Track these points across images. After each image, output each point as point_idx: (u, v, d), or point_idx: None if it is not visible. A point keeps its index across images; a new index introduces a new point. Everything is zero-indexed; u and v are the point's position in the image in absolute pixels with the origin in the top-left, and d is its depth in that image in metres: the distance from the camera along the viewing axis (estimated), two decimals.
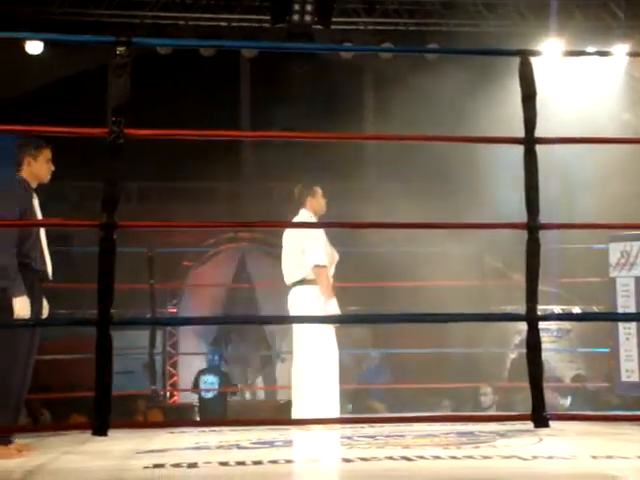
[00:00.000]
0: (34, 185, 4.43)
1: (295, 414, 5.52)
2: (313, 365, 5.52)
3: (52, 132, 3.36)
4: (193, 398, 9.83)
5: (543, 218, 3.16)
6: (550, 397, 7.24)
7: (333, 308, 5.52)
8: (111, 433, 2.91)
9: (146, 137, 3.20)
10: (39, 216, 4.43)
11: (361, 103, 13.06)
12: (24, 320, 4.11)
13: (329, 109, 11.64)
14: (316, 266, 5.58)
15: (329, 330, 5.59)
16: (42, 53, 9.57)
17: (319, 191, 5.88)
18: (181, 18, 9.77)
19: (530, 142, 3.18)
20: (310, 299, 5.58)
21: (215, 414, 8.63)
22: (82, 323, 3.23)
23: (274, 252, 7.58)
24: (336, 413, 5.46)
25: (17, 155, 4.39)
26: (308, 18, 8.91)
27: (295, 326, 5.68)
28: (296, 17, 8.90)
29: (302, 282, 5.66)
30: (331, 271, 5.77)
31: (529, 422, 3.06)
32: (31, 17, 9.31)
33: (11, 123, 3.35)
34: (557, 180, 9.29)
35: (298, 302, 5.64)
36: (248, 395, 11.59)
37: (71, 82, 11.95)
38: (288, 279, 5.76)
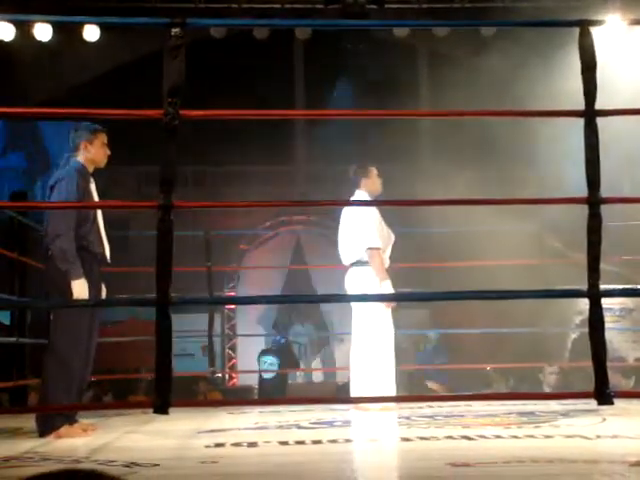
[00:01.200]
0: (91, 169, 4.47)
1: (353, 394, 5.53)
2: (370, 346, 5.52)
3: (109, 115, 3.39)
4: (252, 381, 9.91)
5: (604, 193, 3.09)
6: (613, 377, 7.11)
7: (388, 289, 5.50)
8: (172, 414, 2.94)
9: (201, 118, 3.21)
10: (96, 200, 4.48)
11: (416, 83, 12.93)
12: (84, 300, 4.18)
13: (384, 89, 11.55)
14: (369, 248, 5.57)
15: (386, 312, 5.57)
16: (99, 40, 9.71)
17: (374, 171, 5.84)
18: (234, 1, 9.79)
19: (590, 114, 3.10)
20: (366, 280, 5.56)
21: (274, 395, 8.69)
22: (142, 303, 3.27)
23: (329, 234, 7.58)
24: (393, 393, 5.45)
25: (73, 140, 4.44)
26: None
27: (354, 308, 5.68)
28: None
29: (358, 263, 5.64)
30: (387, 252, 5.74)
31: (592, 402, 3.01)
32: (89, 5, 9.44)
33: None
34: (619, 154, 9.07)
35: (354, 283, 5.63)
36: (307, 377, 11.65)
37: (128, 68, 12.09)
38: (345, 260, 5.76)
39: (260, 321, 12.08)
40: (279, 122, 10.63)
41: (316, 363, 12.08)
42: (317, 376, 11.56)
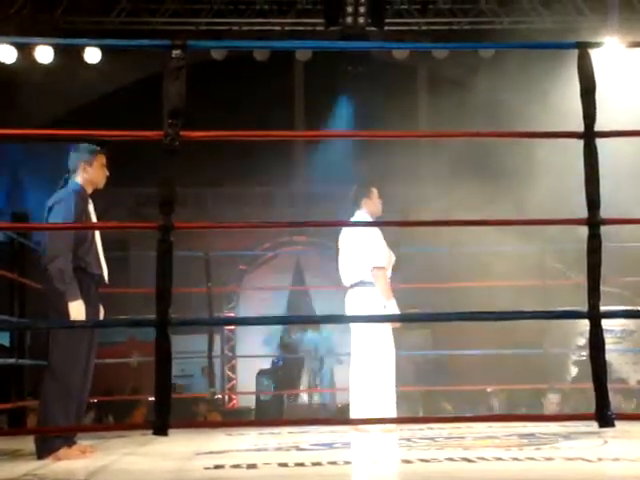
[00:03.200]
0: (89, 190, 4.47)
1: (353, 416, 5.50)
2: (370, 367, 5.49)
3: (110, 137, 3.40)
4: (251, 402, 9.87)
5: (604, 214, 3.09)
6: (614, 400, 7.08)
7: (392, 309, 5.50)
8: (171, 435, 2.92)
9: (201, 139, 3.21)
10: (94, 221, 4.49)
11: (415, 104, 12.98)
12: (83, 321, 4.17)
13: (383, 110, 11.59)
14: (375, 268, 5.56)
15: (387, 333, 5.55)
16: (100, 62, 9.75)
17: (375, 192, 5.83)
18: (235, 24, 9.86)
19: (589, 136, 3.11)
20: (368, 301, 5.54)
21: (271, 417, 8.65)
22: (141, 324, 3.25)
23: (330, 255, 7.57)
24: (394, 415, 5.42)
25: (72, 161, 4.44)
26: (361, 20, 8.90)
27: (353, 329, 5.66)
28: (349, 19, 8.90)
29: (360, 284, 5.63)
30: (388, 273, 5.73)
31: (593, 424, 2.99)
32: (89, 27, 9.50)
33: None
34: (618, 176, 9.07)
35: (356, 304, 5.62)
36: (306, 398, 11.59)
37: (128, 91, 12.15)
38: (346, 281, 5.74)
39: (266, 341, 12.04)
40: (279, 143, 10.67)
41: (316, 384, 12.01)
42: (317, 397, 11.49)
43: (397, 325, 5.58)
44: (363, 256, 5.58)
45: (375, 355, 5.48)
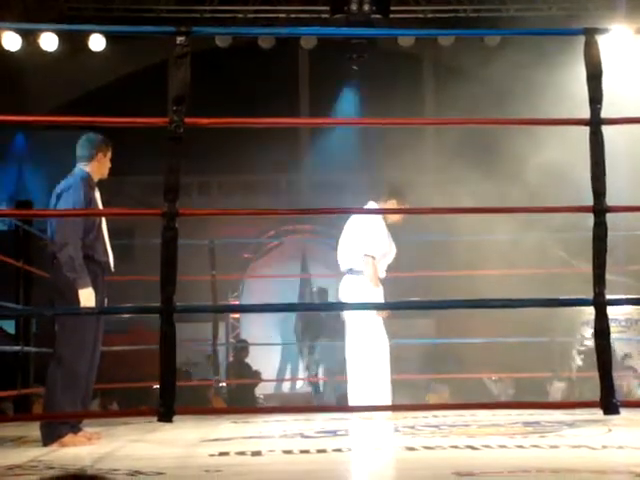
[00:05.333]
0: (95, 179, 4.48)
1: (351, 404, 5.54)
2: (365, 355, 5.53)
3: (115, 123, 3.40)
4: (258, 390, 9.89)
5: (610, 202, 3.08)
6: (619, 387, 7.08)
7: (378, 298, 5.53)
8: (176, 422, 2.93)
9: (206, 126, 3.21)
10: (101, 209, 4.49)
11: (421, 91, 12.95)
12: (90, 308, 4.17)
13: (388, 98, 11.55)
14: (365, 255, 5.60)
15: (377, 320, 5.58)
16: (105, 50, 9.74)
17: (395, 203, 5.75)
18: (240, 11, 9.82)
19: (596, 123, 3.10)
20: (359, 289, 5.58)
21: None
22: (146, 311, 3.27)
23: (334, 244, 7.58)
24: (388, 402, 5.44)
25: (89, 149, 4.42)
26: (366, 7, 8.87)
27: (347, 316, 5.69)
28: (354, 6, 8.86)
29: (352, 271, 5.67)
30: (384, 264, 5.73)
31: (598, 412, 2.99)
32: (94, 14, 9.48)
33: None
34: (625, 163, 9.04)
35: (348, 291, 5.66)
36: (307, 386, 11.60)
37: (133, 78, 12.14)
38: (341, 267, 5.79)
39: (265, 328, 12.03)
40: (284, 131, 10.65)
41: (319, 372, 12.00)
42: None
43: (384, 314, 5.59)
44: (357, 244, 5.62)
45: (369, 343, 5.52)
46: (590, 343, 7.94)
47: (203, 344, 8.84)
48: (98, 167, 4.44)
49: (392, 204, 5.72)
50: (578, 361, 9.38)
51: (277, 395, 11.84)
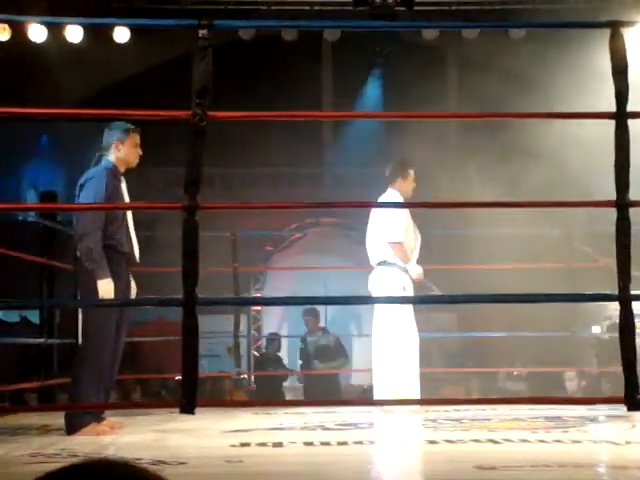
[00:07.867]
0: (122, 169, 4.46)
1: (376, 397, 5.51)
2: (392, 348, 5.49)
3: (138, 116, 3.42)
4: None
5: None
6: None
7: (408, 290, 5.49)
8: (198, 414, 2.95)
9: (229, 119, 3.22)
10: (126, 200, 4.48)
11: (445, 85, 12.88)
12: (112, 300, 4.20)
13: (412, 91, 11.51)
14: (390, 243, 5.56)
15: (408, 313, 5.55)
16: (129, 42, 9.77)
17: (411, 174, 5.76)
18: (263, 3, 9.80)
19: (621, 116, 3.07)
20: (390, 281, 5.55)
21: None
22: (168, 303, 3.28)
23: (356, 236, 7.57)
24: (417, 396, 5.42)
25: (105, 139, 4.43)
26: (390, 0, 8.82)
27: (376, 308, 5.66)
28: None
29: (384, 263, 5.63)
30: (415, 254, 5.71)
31: (621, 408, 2.97)
32: (117, 6, 9.51)
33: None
34: None
35: (378, 284, 5.63)
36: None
37: (158, 70, 12.17)
38: (372, 260, 5.75)
39: (286, 319, 12.03)
40: (307, 124, 10.64)
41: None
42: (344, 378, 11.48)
43: (421, 277, 5.57)
44: (381, 234, 5.59)
45: (397, 336, 5.48)
46: (609, 338, 7.88)
47: (222, 336, 8.86)
48: (121, 156, 4.42)
49: (410, 174, 5.72)
50: (599, 356, 9.30)
51: (298, 388, 11.85)
